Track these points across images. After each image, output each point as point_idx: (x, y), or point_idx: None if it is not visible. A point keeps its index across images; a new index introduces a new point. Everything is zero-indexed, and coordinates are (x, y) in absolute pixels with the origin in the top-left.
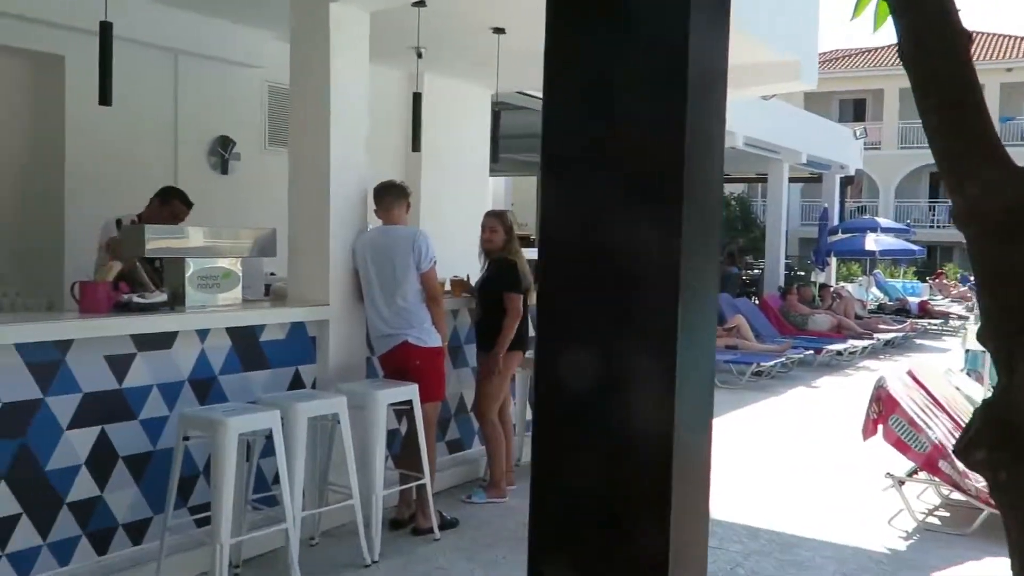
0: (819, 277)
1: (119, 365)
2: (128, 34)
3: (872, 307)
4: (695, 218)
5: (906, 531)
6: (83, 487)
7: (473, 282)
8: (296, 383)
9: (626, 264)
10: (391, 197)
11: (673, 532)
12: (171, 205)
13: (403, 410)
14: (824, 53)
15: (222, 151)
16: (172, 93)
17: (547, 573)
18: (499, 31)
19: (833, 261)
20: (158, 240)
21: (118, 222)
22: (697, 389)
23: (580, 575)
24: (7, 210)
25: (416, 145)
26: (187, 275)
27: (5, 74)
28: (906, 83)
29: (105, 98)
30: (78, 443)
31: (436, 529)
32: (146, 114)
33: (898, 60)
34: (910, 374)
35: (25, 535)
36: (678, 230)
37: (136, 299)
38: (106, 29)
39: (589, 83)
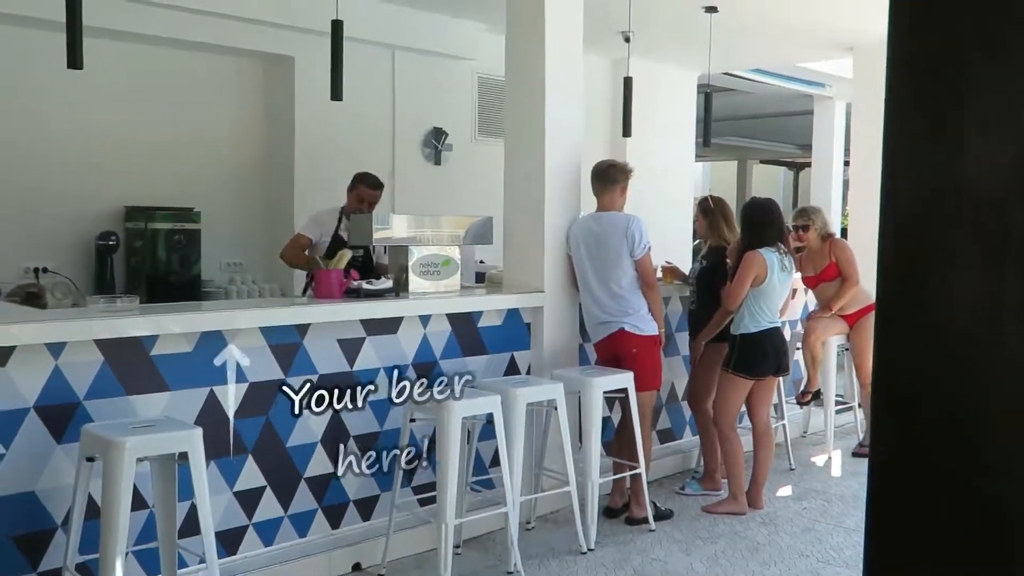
0: None
1: (350, 348)
2: (351, 32)
3: None
4: None
5: None
6: (318, 464)
7: (686, 270)
8: (512, 369)
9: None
10: (600, 183)
11: None
12: (357, 191)
13: (615, 398)
14: None
15: (435, 142)
16: (390, 88)
17: None
18: (711, 10)
19: None
20: (384, 230)
21: (342, 212)
22: None
23: None
24: (246, 203)
25: (627, 130)
26: (410, 262)
27: (242, 75)
28: None
29: (337, 94)
30: (314, 422)
31: (651, 519)
32: (366, 109)
33: None
34: None
35: (269, 506)
36: None
37: (365, 286)
38: (337, 27)
39: (936, 52)
